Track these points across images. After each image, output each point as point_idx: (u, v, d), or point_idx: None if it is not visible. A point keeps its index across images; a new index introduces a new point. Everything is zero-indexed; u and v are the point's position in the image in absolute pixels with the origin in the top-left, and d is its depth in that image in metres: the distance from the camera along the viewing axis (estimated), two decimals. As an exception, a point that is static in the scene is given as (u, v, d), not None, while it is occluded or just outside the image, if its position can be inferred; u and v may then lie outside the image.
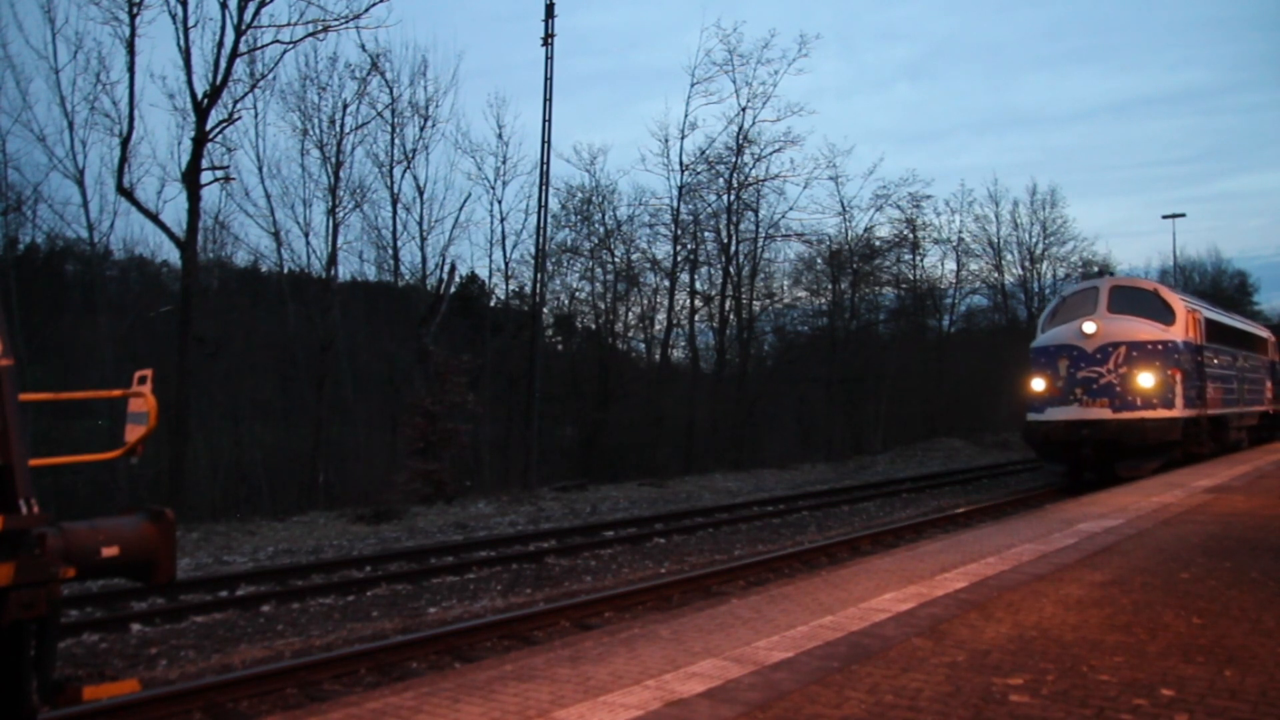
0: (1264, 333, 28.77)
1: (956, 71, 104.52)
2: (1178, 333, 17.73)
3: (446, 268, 30.68)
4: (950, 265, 52.41)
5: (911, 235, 42.85)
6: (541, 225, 27.39)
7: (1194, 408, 17.74)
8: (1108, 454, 16.92)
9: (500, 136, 44.18)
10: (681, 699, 3.90)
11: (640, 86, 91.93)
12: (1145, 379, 16.81)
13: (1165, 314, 18.03)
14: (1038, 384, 17.93)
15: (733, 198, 36.22)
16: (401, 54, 51.97)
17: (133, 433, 3.79)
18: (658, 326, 38.27)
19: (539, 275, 28.98)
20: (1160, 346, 17.13)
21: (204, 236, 26.79)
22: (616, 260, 36.94)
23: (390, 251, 31.05)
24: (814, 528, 15.25)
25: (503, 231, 34.96)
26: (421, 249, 30.81)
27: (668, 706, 3.81)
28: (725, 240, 36.68)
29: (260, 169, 33.77)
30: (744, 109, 35.41)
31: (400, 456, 23.93)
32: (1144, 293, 18.69)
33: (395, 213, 30.15)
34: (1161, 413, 16.71)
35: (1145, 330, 17.40)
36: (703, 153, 35.66)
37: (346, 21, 24.12)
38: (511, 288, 37.00)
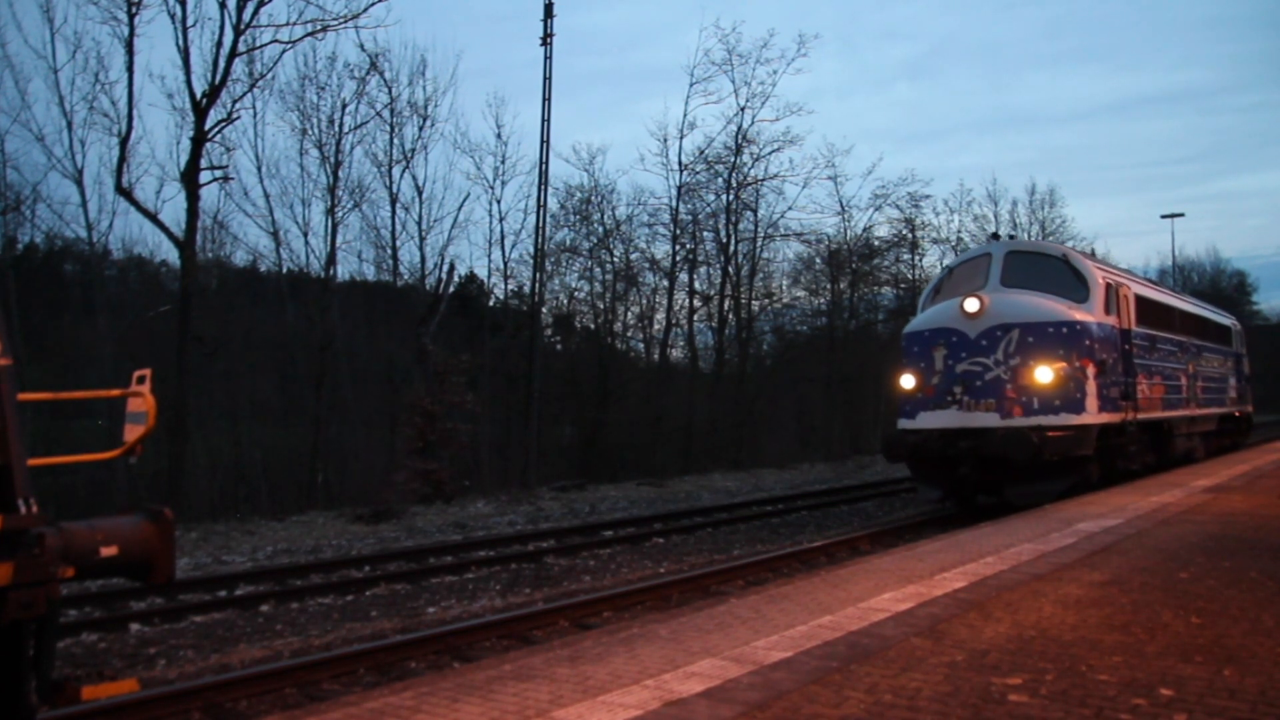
0: (1227, 319, 24.42)
1: (956, 71, 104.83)
2: (1093, 312, 13.64)
3: (445, 267, 30.72)
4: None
5: (910, 235, 42.86)
6: (540, 225, 27.41)
7: (1116, 411, 13.83)
8: (994, 473, 13.01)
9: (499, 136, 44.39)
10: (680, 699, 3.90)
11: (639, 86, 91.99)
12: (1043, 373, 12.82)
13: (1076, 287, 13.87)
14: (907, 381, 14.01)
15: (731, 197, 36.25)
16: (400, 54, 52.06)
17: (132, 432, 3.79)
18: (657, 326, 38.30)
19: (538, 275, 29.00)
20: (1065, 330, 13.14)
21: (203, 236, 26.82)
22: (615, 260, 36.97)
23: (389, 251, 31.08)
24: (813, 527, 15.26)
25: (501, 231, 34.85)
26: (420, 249, 30.84)
27: (667, 706, 3.81)
28: (724, 240, 36.73)
29: (259, 169, 33.68)
30: (743, 109, 35.45)
31: (399, 456, 23.92)
32: (1048, 260, 14.36)
33: (394, 212, 30.18)
34: (1066, 418, 12.78)
35: (1046, 308, 13.33)
36: (702, 152, 35.70)
37: (345, 21, 24.18)
38: (510, 287, 37.04)
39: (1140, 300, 15.92)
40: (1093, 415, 13.03)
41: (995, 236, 16.34)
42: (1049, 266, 14.21)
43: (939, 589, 6.17)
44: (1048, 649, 4.61)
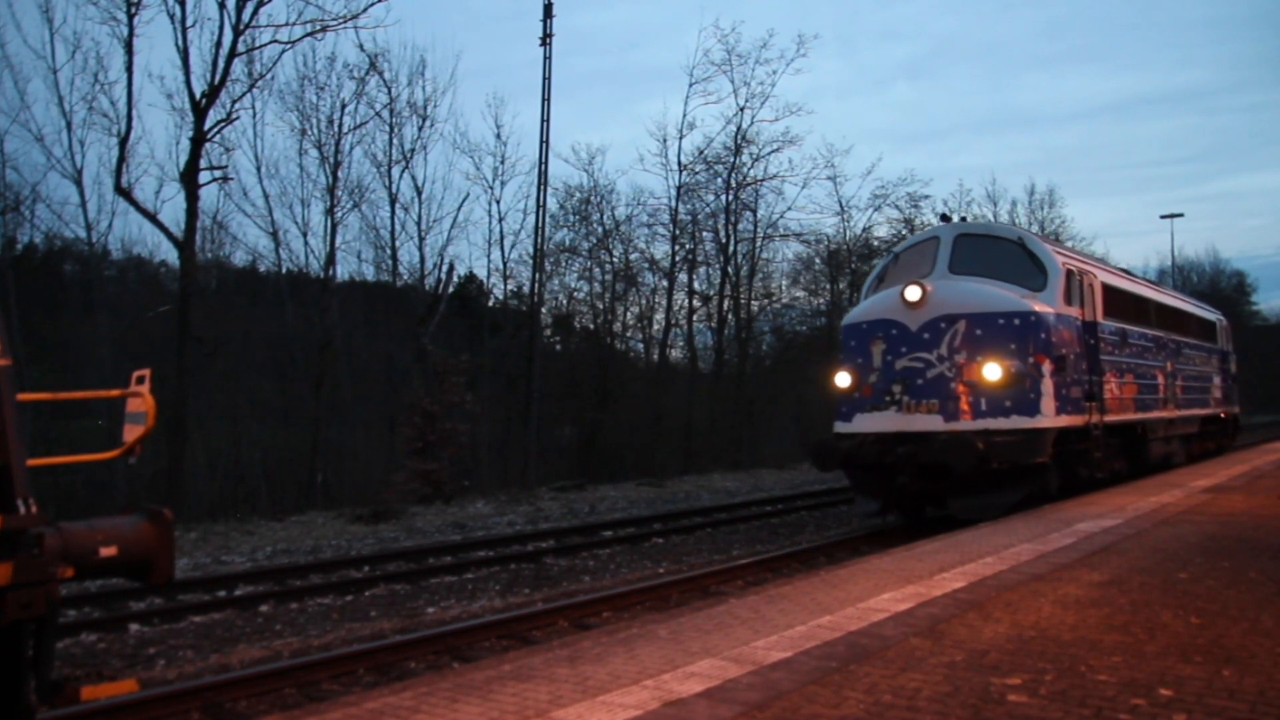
0: (1211, 314, 22.75)
1: (956, 71, 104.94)
2: (1051, 301, 12.29)
3: (445, 268, 30.78)
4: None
5: (910, 235, 42.84)
6: (540, 225, 27.42)
7: (1078, 412, 12.49)
8: (937, 483, 11.81)
9: (498, 136, 44.42)
10: (680, 699, 3.91)
11: (639, 86, 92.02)
12: (991, 370, 11.48)
13: (1032, 274, 12.51)
14: (842, 380, 12.65)
15: (731, 198, 36.24)
16: (400, 54, 51.91)
17: (131, 432, 3.80)
18: (656, 326, 38.30)
19: (537, 275, 29.02)
20: (1018, 321, 11.77)
21: (202, 236, 26.86)
22: (615, 260, 36.98)
23: (388, 251, 31.12)
24: (812, 528, 15.25)
25: (501, 231, 34.84)
26: (420, 249, 30.87)
27: (666, 706, 3.81)
28: (723, 240, 36.72)
29: (258, 169, 33.71)
30: (742, 109, 35.43)
31: (398, 456, 23.95)
32: (1003, 244, 12.94)
33: (394, 213, 30.22)
34: (1017, 421, 11.49)
35: (997, 297, 11.99)
36: (701, 153, 35.70)
37: (345, 21, 24.21)
38: (510, 287, 37.05)
39: (1109, 290, 14.46)
40: (1049, 418, 11.72)
41: (946, 218, 14.27)
42: (1004, 251, 12.82)
43: (938, 589, 6.17)
44: (1047, 649, 4.61)
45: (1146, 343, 15.91)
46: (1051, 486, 12.15)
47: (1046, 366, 11.78)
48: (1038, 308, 11.99)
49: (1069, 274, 12.89)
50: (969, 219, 14.73)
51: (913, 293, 11.99)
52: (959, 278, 12.43)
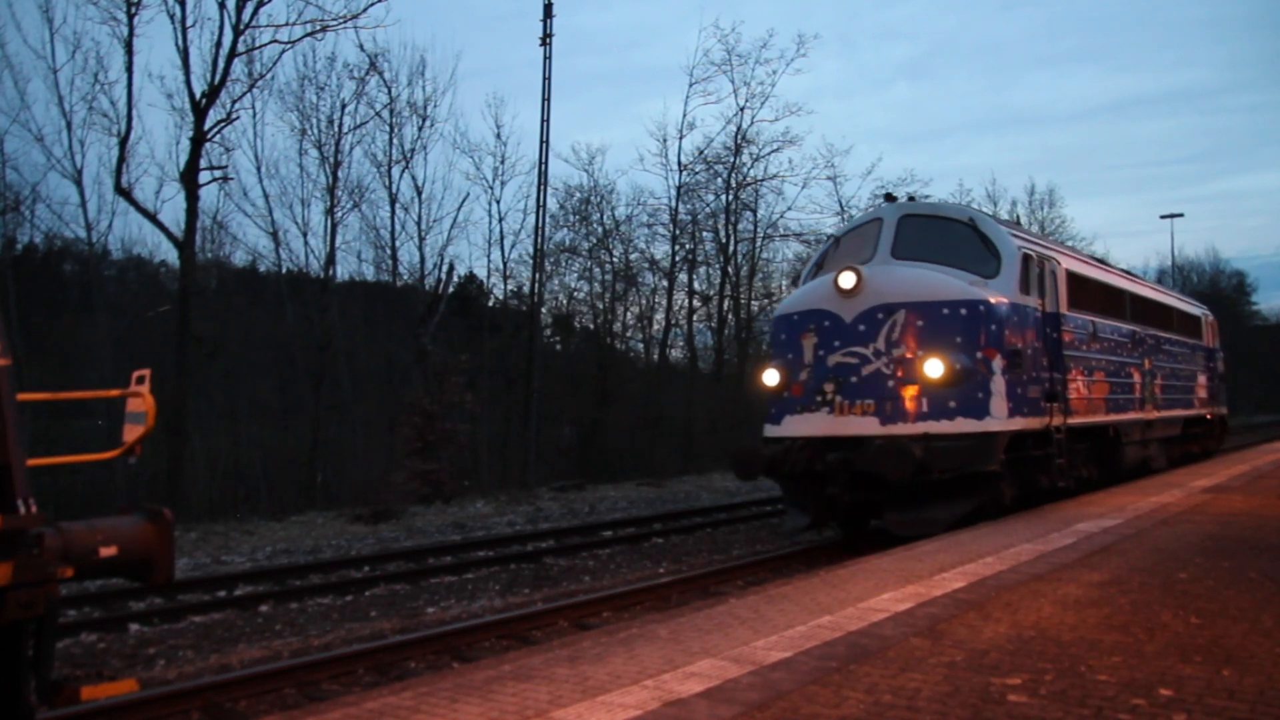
0: (1197, 308, 21.47)
1: (956, 71, 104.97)
2: (1005, 290, 11.04)
3: (445, 267, 30.72)
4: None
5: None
6: (540, 225, 27.42)
7: (1037, 414, 11.27)
8: (873, 494, 10.60)
9: (499, 136, 44.25)
10: (680, 699, 3.91)
11: (639, 86, 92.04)
12: (932, 367, 10.28)
13: (984, 259, 11.26)
14: (770, 378, 11.41)
15: (731, 198, 36.21)
16: (400, 54, 51.61)
17: (131, 432, 3.80)
18: (656, 326, 38.26)
19: (537, 275, 29.01)
20: (965, 311, 10.58)
21: (202, 236, 26.82)
22: (615, 260, 36.95)
23: (388, 251, 31.07)
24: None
25: (501, 231, 34.81)
26: (420, 249, 30.83)
27: (666, 706, 3.81)
28: (723, 240, 36.70)
29: (258, 169, 33.56)
30: (742, 109, 35.40)
31: (398, 456, 23.93)
32: (952, 226, 11.64)
33: (393, 212, 30.17)
34: (963, 424, 10.27)
35: (940, 285, 10.76)
36: (701, 153, 35.66)
37: (345, 21, 24.15)
38: (510, 287, 37.01)
39: (1075, 279, 13.15)
40: (1000, 420, 10.50)
41: (890, 197, 12.82)
42: (954, 234, 11.53)
43: (938, 589, 6.17)
44: (1047, 649, 4.62)
45: (1120, 337, 14.70)
46: (1005, 497, 10.99)
47: (998, 362, 10.60)
48: (989, 296, 10.81)
49: (1026, 259, 11.61)
50: (917, 198, 14.07)
51: (847, 279, 10.77)
52: (901, 263, 11.19)
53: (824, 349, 10.98)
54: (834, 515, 11.46)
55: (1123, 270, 18.09)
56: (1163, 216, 61.23)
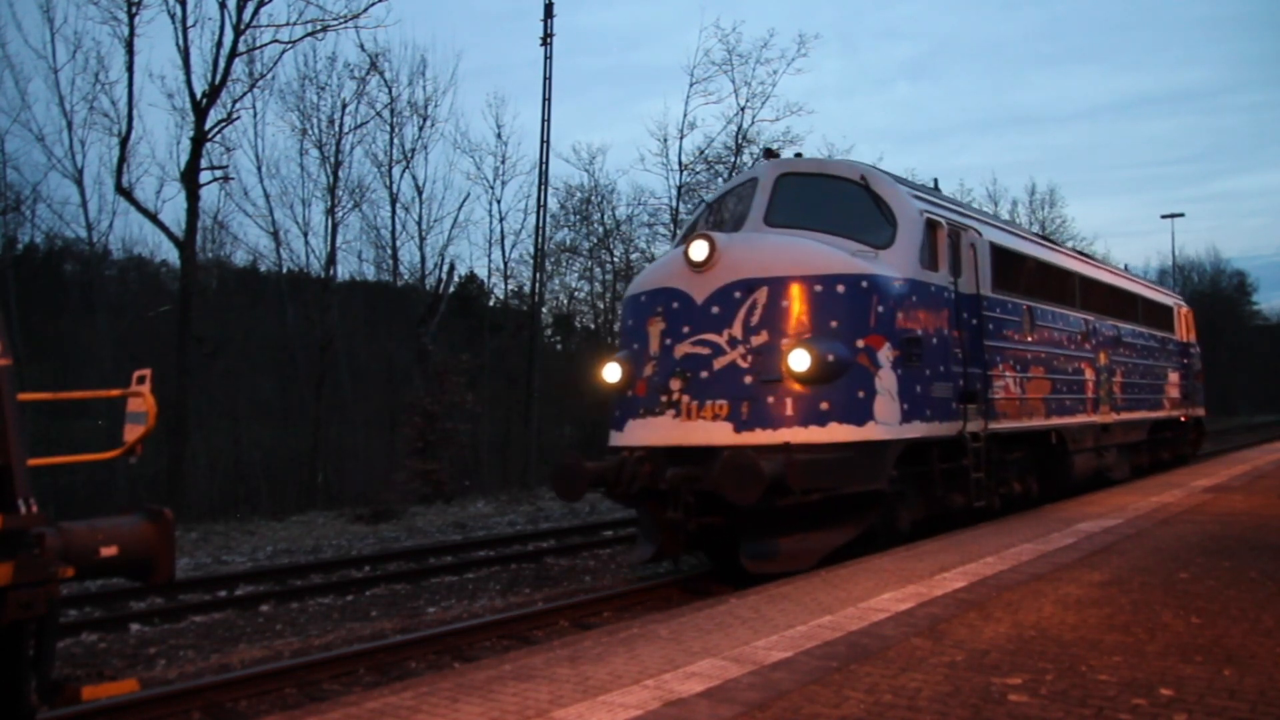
0: (1168, 298, 19.12)
1: (957, 70, 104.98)
2: (899, 263, 8.88)
3: (445, 267, 30.75)
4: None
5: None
6: (540, 225, 27.44)
7: (944, 418, 9.18)
8: (727, 516, 8.40)
9: (499, 136, 44.26)
10: (680, 699, 3.91)
11: (640, 86, 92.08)
12: (798, 359, 8.05)
13: (876, 225, 9.09)
14: (611, 373, 9.30)
15: (731, 197, 36.19)
16: (400, 54, 51.76)
17: (131, 432, 3.80)
18: (656, 326, 38.25)
19: (538, 275, 29.01)
20: (843, 288, 8.39)
21: (203, 236, 26.85)
22: (615, 260, 36.91)
23: (389, 251, 31.08)
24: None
25: (501, 231, 34.81)
26: (420, 248, 30.84)
27: (666, 706, 3.81)
28: (724, 240, 36.64)
29: (259, 169, 33.57)
30: (743, 109, 35.32)
31: (399, 456, 23.93)
32: (841, 185, 9.46)
33: (394, 212, 30.17)
34: (839, 431, 8.10)
35: (813, 256, 8.56)
36: (701, 152, 35.60)
37: (345, 21, 24.17)
38: (510, 287, 37.04)
39: (1002, 254, 10.92)
40: (889, 425, 8.37)
41: (771, 153, 10.92)
42: (842, 194, 9.38)
43: (939, 589, 6.17)
44: (1047, 649, 4.61)
45: (1067, 327, 12.55)
46: (901, 522, 9.00)
47: (886, 353, 8.44)
48: (875, 270, 8.60)
49: (932, 226, 9.43)
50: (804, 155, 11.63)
51: (698, 250, 8.52)
52: (775, 231, 9.06)
53: (671, 337, 8.72)
54: (685, 544, 9.08)
55: (1075, 251, 16.16)
56: (1163, 216, 61.24)
